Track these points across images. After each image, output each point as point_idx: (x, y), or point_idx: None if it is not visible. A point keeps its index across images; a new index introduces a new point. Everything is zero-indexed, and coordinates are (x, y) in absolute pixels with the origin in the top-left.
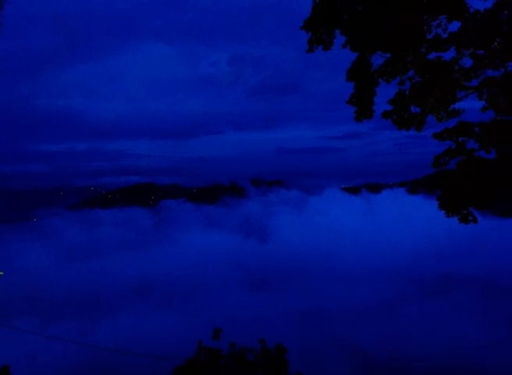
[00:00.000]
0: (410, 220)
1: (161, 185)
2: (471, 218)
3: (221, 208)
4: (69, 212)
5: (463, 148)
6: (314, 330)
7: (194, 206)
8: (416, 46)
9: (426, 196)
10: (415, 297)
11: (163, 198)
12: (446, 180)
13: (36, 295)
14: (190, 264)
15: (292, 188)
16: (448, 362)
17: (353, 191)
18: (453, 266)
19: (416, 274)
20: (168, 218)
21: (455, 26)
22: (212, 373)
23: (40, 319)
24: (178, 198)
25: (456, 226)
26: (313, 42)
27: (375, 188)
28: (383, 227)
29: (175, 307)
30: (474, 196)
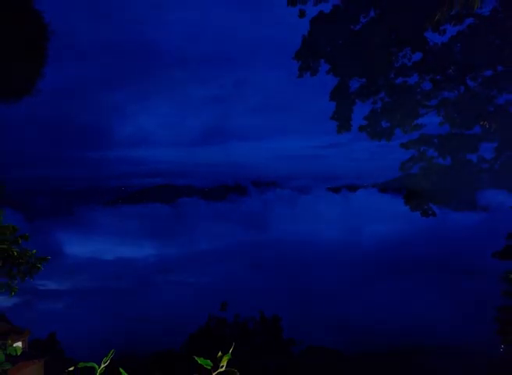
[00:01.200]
0: (380, 214)
1: (178, 186)
2: (430, 212)
3: (227, 205)
4: (104, 208)
5: (424, 156)
6: (304, 302)
7: (205, 203)
8: (386, 73)
9: (394, 195)
10: (385, 276)
11: (180, 197)
12: (411, 182)
13: (76, 276)
14: (202, 250)
15: (286, 188)
16: (408, 326)
17: (335, 190)
18: (416, 251)
19: (385, 257)
20: (184, 213)
21: (418, 56)
22: (220, 339)
23: (79, 296)
24: (192, 196)
25: (419, 219)
26: (302, 69)
27: (353, 188)
28: (359, 219)
29: (190, 284)
30: (433, 195)
